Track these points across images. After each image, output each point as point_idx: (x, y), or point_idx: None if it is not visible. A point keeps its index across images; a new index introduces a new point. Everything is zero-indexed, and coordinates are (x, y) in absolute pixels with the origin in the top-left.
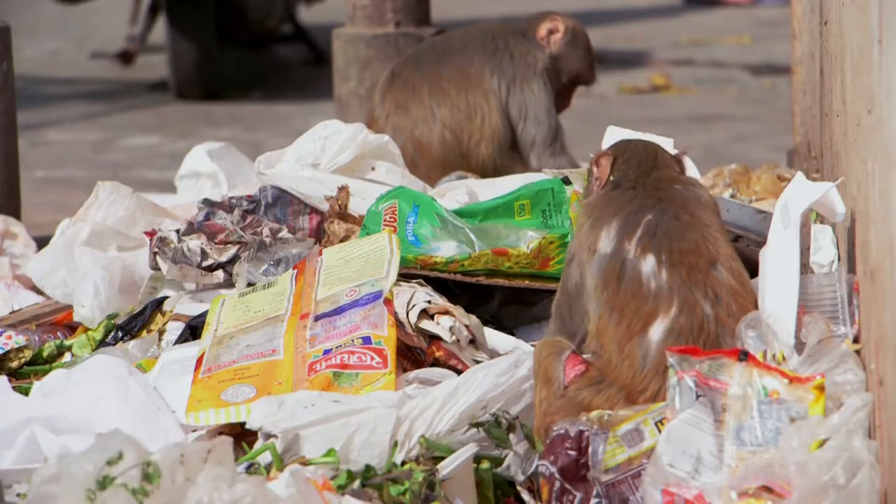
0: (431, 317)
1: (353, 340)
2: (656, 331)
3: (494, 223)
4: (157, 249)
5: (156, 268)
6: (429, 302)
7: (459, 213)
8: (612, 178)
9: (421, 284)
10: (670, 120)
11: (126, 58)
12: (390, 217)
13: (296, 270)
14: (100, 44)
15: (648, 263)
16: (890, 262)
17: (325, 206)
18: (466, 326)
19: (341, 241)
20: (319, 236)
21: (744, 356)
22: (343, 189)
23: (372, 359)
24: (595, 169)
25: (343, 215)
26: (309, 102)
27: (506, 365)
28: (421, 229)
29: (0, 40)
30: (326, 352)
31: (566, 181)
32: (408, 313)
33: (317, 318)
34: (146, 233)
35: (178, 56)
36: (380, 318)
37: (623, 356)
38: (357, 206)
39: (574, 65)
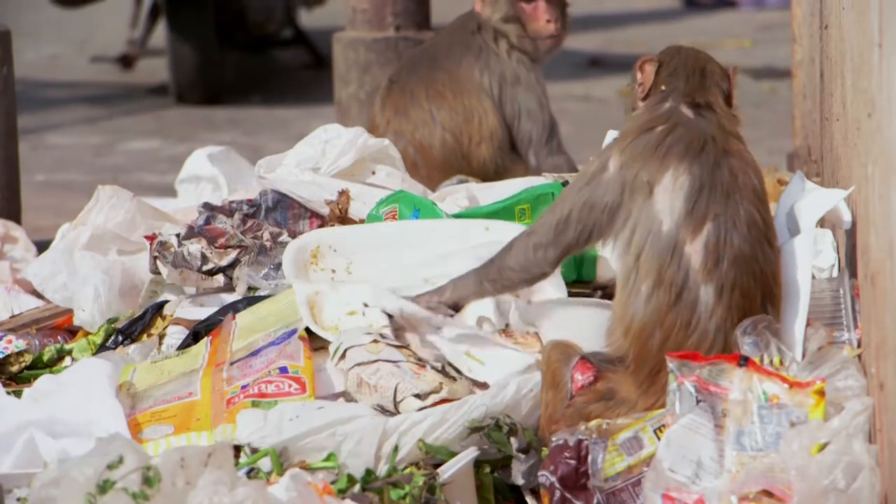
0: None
1: (269, 372)
2: None
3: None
4: (157, 254)
5: (156, 272)
6: (418, 396)
7: (460, 217)
8: (662, 87)
9: (401, 346)
10: None
11: (126, 61)
12: (388, 218)
13: (210, 337)
14: (100, 48)
15: (706, 291)
16: (890, 265)
17: (325, 210)
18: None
19: None
20: None
21: (744, 361)
22: (343, 193)
23: (290, 386)
24: (639, 74)
25: (343, 219)
26: (309, 106)
27: (495, 389)
28: None
29: (0, 44)
30: (244, 387)
31: (566, 185)
32: (396, 406)
33: (233, 363)
34: (146, 237)
35: (178, 60)
36: (296, 351)
37: (651, 382)
38: (357, 210)
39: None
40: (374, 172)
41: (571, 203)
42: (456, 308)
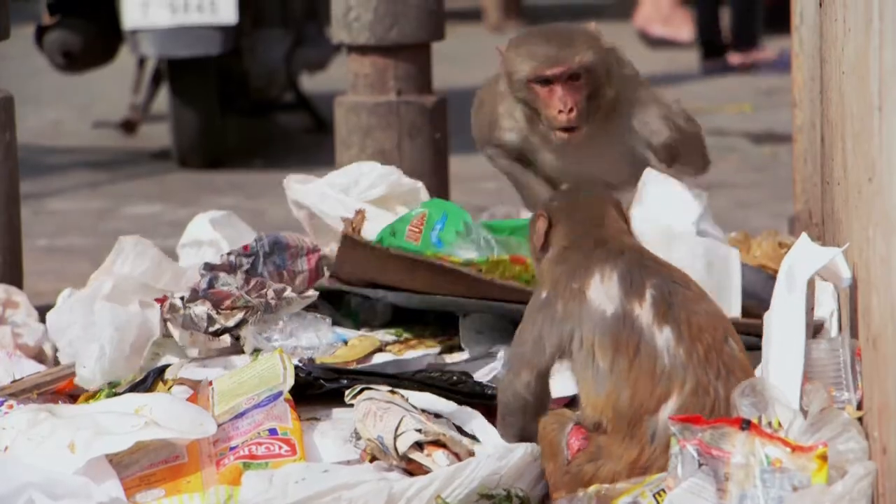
0: (420, 446)
1: (259, 433)
2: (667, 410)
3: (520, 240)
4: (168, 316)
5: (167, 335)
6: (419, 431)
7: (489, 227)
8: (563, 244)
9: (403, 398)
10: None
11: (128, 127)
12: (417, 222)
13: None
14: (102, 113)
15: (664, 336)
16: (892, 328)
17: (322, 248)
18: (457, 455)
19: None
20: (319, 275)
21: (746, 425)
22: (360, 212)
23: (280, 448)
24: (533, 229)
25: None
26: (311, 170)
27: (502, 451)
28: (446, 235)
29: (3, 110)
30: (232, 448)
31: None
32: (395, 440)
33: (218, 426)
34: (157, 300)
35: (180, 125)
36: (283, 413)
37: (632, 434)
38: (371, 231)
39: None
40: (398, 213)
41: (528, 334)
42: None
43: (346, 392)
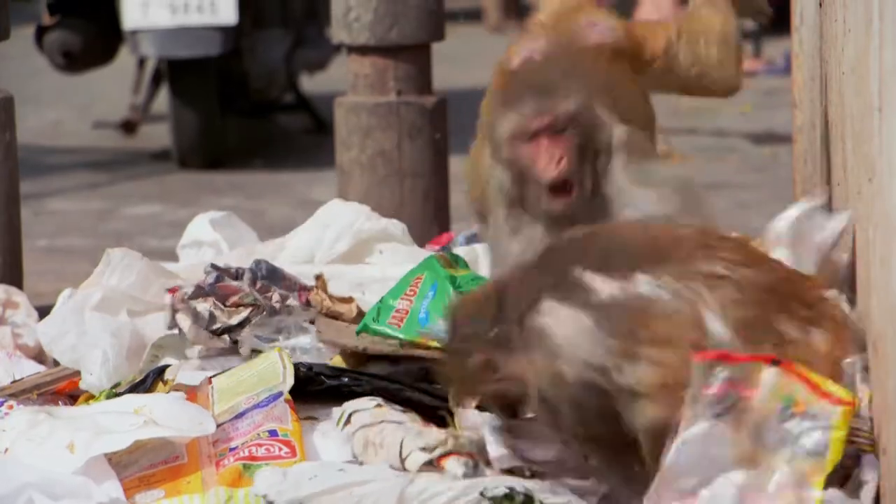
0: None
1: (258, 434)
2: (639, 281)
3: None
4: (180, 306)
5: (173, 327)
6: (423, 449)
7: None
8: None
9: (405, 410)
10: None
11: (129, 127)
12: (410, 291)
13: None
14: (102, 113)
15: (607, 288)
16: (892, 330)
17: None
18: (470, 455)
19: (321, 311)
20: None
21: (776, 362)
22: (319, 278)
23: (280, 449)
24: None
25: (326, 292)
26: (311, 170)
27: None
28: (434, 306)
29: (3, 110)
30: (232, 449)
31: None
32: (403, 464)
33: (217, 426)
34: (169, 290)
35: (180, 125)
36: (283, 413)
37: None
38: (337, 288)
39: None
40: (381, 252)
41: None
42: None
43: (337, 421)
